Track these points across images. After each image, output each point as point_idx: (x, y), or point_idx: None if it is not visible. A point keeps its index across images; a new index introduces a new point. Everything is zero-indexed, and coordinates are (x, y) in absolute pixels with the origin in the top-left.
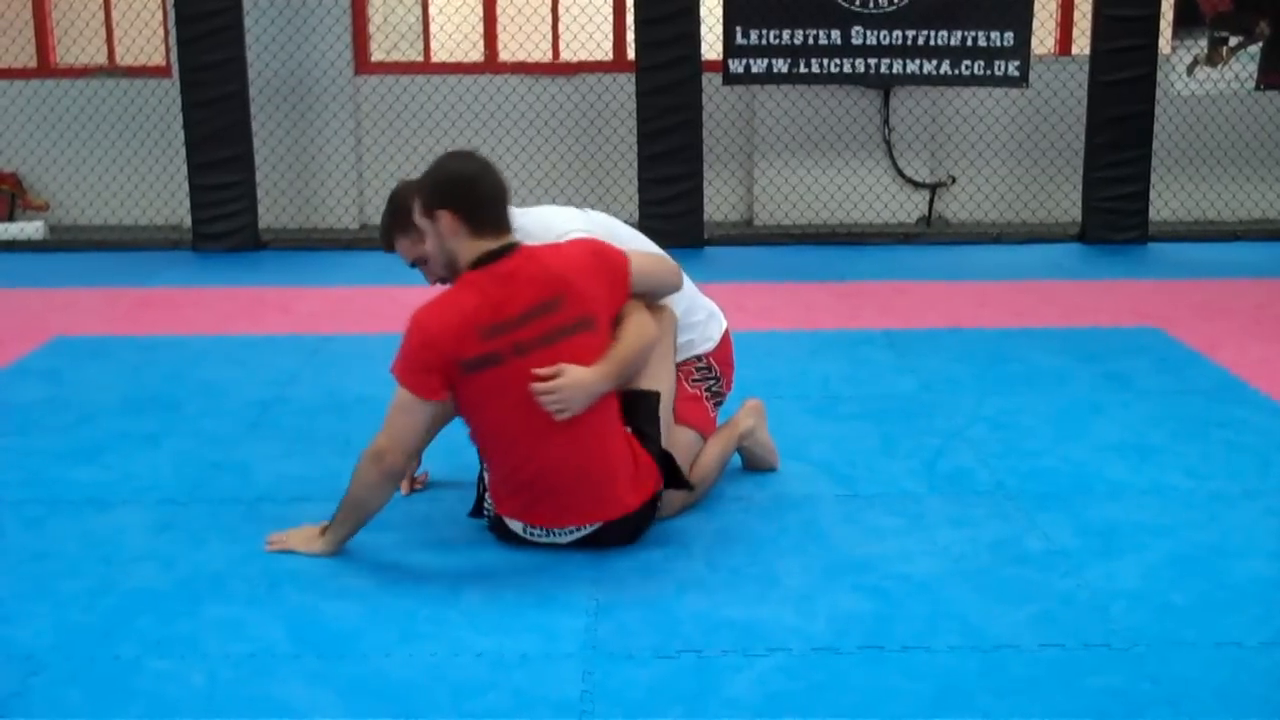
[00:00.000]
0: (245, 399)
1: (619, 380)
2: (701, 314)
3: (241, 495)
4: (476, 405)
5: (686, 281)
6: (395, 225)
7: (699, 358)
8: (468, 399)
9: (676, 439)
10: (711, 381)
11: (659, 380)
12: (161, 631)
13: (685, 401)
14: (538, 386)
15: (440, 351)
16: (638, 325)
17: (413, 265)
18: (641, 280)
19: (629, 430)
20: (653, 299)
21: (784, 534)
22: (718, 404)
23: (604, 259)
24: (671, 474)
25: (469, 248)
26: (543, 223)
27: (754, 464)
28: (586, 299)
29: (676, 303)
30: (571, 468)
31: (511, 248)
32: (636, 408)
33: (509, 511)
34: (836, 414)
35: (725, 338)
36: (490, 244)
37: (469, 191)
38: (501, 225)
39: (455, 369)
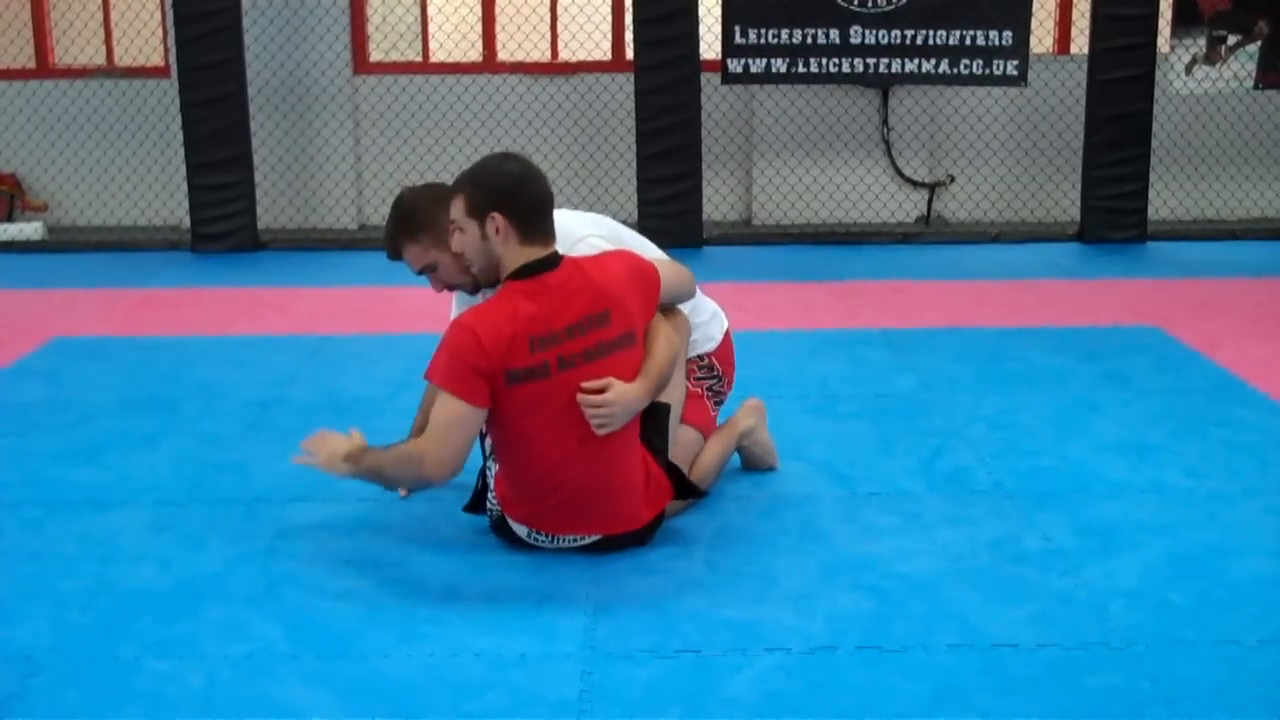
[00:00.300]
0: (244, 399)
1: (655, 396)
2: (704, 314)
3: (240, 496)
4: (513, 417)
5: (696, 299)
6: (404, 231)
7: (700, 357)
8: (506, 411)
9: (678, 438)
10: (713, 381)
11: (670, 392)
12: (160, 632)
13: (687, 399)
14: (587, 399)
15: (490, 359)
16: (666, 339)
17: (420, 273)
18: (666, 293)
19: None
20: (666, 306)
21: (782, 533)
22: (718, 403)
23: (641, 274)
24: (681, 484)
25: (516, 254)
26: (561, 228)
27: (753, 463)
28: (629, 314)
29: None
30: (596, 480)
31: (557, 258)
32: (647, 419)
33: (517, 516)
34: (835, 413)
35: (726, 337)
36: (538, 252)
37: (523, 195)
38: (550, 233)
39: (500, 379)
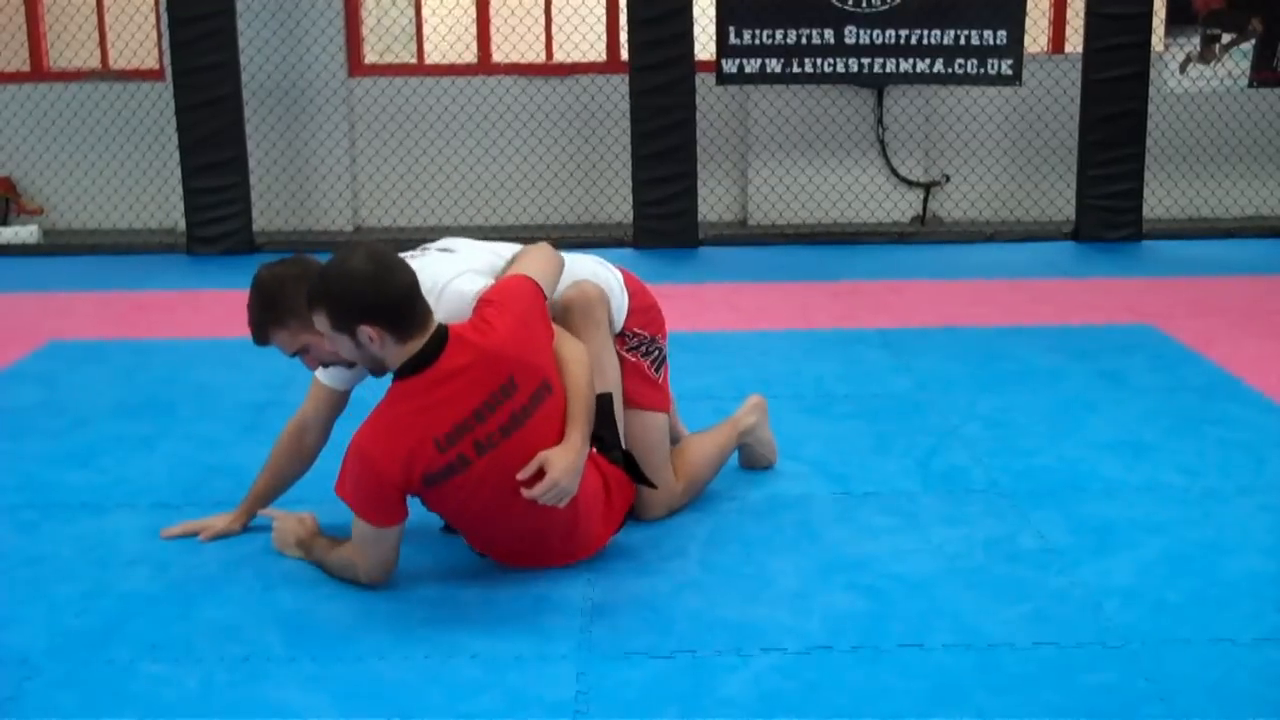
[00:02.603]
0: (240, 402)
1: (590, 426)
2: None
3: (236, 498)
4: (450, 508)
5: (567, 260)
6: (271, 320)
7: (621, 332)
8: (436, 503)
9: (645, 424)
10: (644, 341)
11: (603, 376)
12: (156, 635)
13: (630, 380)
14: (530, 493)
15: (395, 482)
16: (575, 361)
17: (292, 356)
18: (548, 287)
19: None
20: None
21: (778, 533)
22: (659, 360)
23: (527, 304)
24: (635, 473)
25: (397, 353)
26: (426, 281)
27: (752, 461)
28: (535, 366)
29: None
30: (554, 526)
31: (442, 341)
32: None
33: (496, 558)
34: (831, 413)
35: (631, 290)
36: (419, 342)
37: (383, 298)
38: (423, 318)
39: (416, 486)
